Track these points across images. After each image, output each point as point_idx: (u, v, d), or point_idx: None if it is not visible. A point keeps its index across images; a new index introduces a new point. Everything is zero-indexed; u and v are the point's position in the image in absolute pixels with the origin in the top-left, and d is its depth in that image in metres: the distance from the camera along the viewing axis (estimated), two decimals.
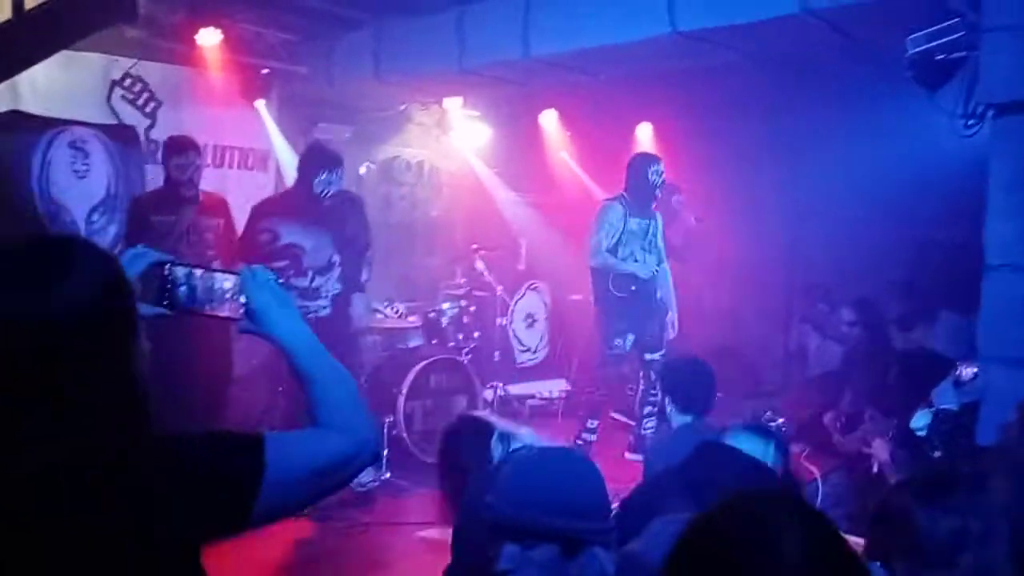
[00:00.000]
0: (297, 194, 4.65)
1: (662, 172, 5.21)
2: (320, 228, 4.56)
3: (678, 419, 3.32)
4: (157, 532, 1.04)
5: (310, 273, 4.53)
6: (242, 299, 1.28)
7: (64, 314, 1.01)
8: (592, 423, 5.32)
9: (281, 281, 4.33)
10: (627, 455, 5.34)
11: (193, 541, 1.11)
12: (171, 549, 1.07)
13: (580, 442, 5.22)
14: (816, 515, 0.97)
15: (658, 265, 5.36)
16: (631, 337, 5.23)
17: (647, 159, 5.28)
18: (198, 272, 1.30)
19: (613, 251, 5.21)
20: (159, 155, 4.62)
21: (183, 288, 1.28)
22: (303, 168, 4.62)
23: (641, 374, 5.43)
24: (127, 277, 1.12)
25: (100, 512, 1.00)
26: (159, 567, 1.06)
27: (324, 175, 4.49)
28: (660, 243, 5.39)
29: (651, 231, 5.29)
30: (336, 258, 4.60)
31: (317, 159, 4.58)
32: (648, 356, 5.38)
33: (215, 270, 1.32)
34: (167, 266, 1.28)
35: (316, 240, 4.54)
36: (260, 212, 4.60)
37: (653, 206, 5.28)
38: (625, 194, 5.27)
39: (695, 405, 3.29)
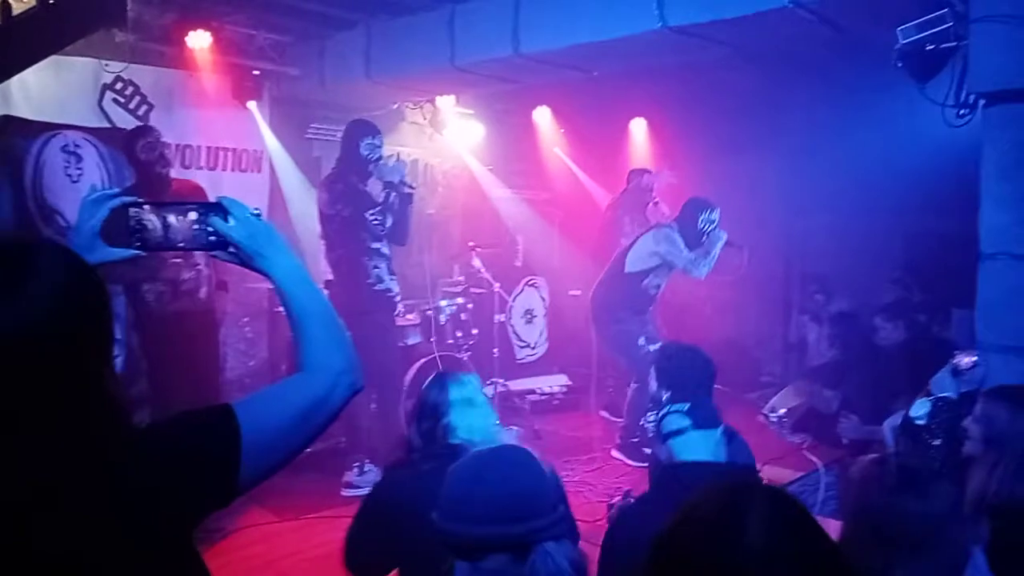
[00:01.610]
0: (348, 165, 4.68)
1: (715, 221, 5.14)
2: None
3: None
4: (146, 527, 1.04)
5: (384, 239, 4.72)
6: (210, 228, 1.29)
7: (23, 325, 0.96)
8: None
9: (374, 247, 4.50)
10: (613, 453, 5.36)
11: (184, 525, 1.11)
12: (163, 539, 1.07)
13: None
14: (783, 498, 0.99)
15: None
16: (644, 333, 5.32)
17: (702, 204, 5.20)
18: (162, 208, 1.30)
19: (644, 275, 5.25)
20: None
21: (151, 227, 1.29)
22: (348, 139, 4.71)
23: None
24: (96, 279, 1.08)
25: (87, 519, 0.99)
26: (154, 558, 1.05)
27: (369, 139, 4.63)
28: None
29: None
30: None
31: (359, 127, 4.76)
32: (651, 348, 5.42)
33: (179, 203, 1.32)
34: (131, 207, 1.29)
35: None
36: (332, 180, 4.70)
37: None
38: (676, 224, 5.27)
39: (684, 393, 2.99)
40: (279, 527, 4.15)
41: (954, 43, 3.23)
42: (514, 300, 7.02)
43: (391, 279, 4.72)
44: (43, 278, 1.00)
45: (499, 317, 6.42)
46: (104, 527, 1.00)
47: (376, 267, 4.64)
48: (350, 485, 4.65)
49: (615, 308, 5.33)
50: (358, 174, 4.64)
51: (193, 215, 1.29)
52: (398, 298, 4.87)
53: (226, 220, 1.29)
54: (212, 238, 1.29)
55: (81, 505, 0.99)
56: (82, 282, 1.05)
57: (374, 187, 4.62)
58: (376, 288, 4.63)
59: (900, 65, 3.41)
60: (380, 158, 4.65)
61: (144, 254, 1.32)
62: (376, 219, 4.60)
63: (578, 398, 6.68)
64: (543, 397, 6.63)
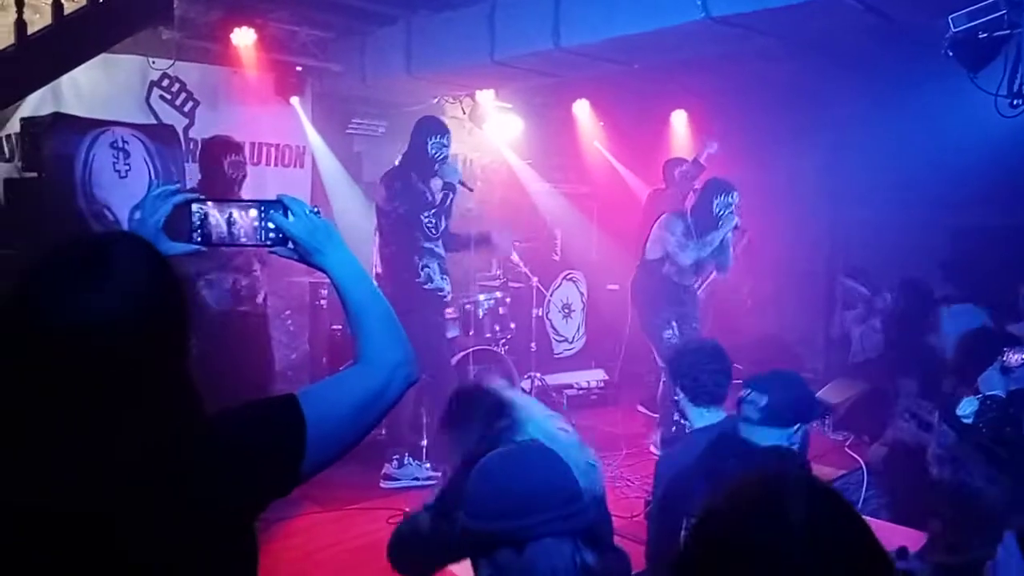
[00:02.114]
0: (411, 162, 4.72)
1: (731, 204, 5.01)
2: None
3: (693, 412, 2.99)
4: (215, 510, 1.08)
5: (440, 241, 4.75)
6: (271, 224, 1.32)
7: (107, 315, 1.00)
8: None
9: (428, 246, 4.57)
10: (651, 448, 5.32)
11: (249, 512, 1.15)
12: (229, 523, 1.11)
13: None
14: (825, 490, 0.99)
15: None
16: (675, 324, 5.25)
17: (717, 187, 5.07)
18: (223, 205, 1.33)
19: (661, 262, 5.23)
20: (200, 153, 4.65)
21: (212, 223, 1.32)
22: (416, 136, 4.70)
23: None
24: (175, 273, 1.11)
25: (155, 504, 1.02)
26: (218, 539, 1.09)
27: (437, 137, 4.63)
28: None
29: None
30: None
31: (428, 124, 4.74)
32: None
33: (240, 200, 1.35)
34: (193, 203, 1.32)
35: None
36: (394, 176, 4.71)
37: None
38: (690, 214, 5.21)
39: (704, 394, 2.93)
40: (318, 517, 4.21)
41: (1008, 31, 3.14)
42: (552, 294, 7.02)
43: (442, 278, 4.73)
44: (126, 271, 1.03)
45: (537, 311, 6.42)
46: (172, 513, 1.03)
47: (427, 266, 4.66)
48: (389, 477, 4.69)
49: (647, 295, 5.31)
50: (421, 172, 4.64)
51: (254, 212, 1.32)
52: (449, 297, 4.88)
53: (286, 217, 1.31)
54: (272, 234, 1.32)
55: (150, 491, 1.02)
56: (162, 275, 1.08)
57: (434, 186, 4.64)
58: (426, 287, 4.65)
59: (951, 54, 3.32)
60: (446, 158, 4.65)
61: (205, 249, 1.35)
62: (430, 221, 4.61)
63: (616, 393, 6.65)
64: (580, 392, 6.62)
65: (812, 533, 0.92)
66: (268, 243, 1.33)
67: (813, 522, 0.92)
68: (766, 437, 2.25)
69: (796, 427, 2.30)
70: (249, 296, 4.45)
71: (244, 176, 4.45)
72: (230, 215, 1.32)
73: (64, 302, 0.98)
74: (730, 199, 5.01)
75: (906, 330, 5.33)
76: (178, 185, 1.38)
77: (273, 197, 1.34)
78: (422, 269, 4.64)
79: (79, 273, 1.01)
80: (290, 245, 1.32)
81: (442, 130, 4.68)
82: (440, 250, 4.73)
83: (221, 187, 4.37)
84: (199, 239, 1.33)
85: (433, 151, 4.61)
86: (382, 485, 4.66)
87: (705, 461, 2.26)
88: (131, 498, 1.00)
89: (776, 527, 0.92)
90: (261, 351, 4.68)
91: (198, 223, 1.32)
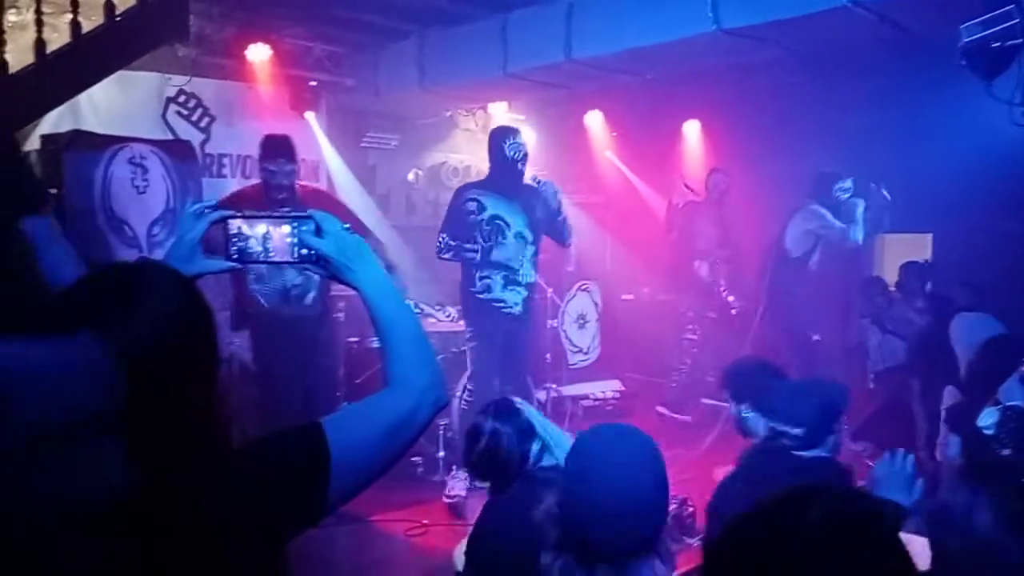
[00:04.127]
0: (493, 169, 4.74)
1: (849, 189, 5.37)
2: (517, 204, 4.69)
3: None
4: (238, 547, 1.06)
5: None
6: (303, 241, 1.31)
7: (135, 347, 0.98)
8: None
9: (490, 254, 4.53)
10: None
11: (276, 544, 1.13)
12: (255, 559, 1.09)
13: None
14: (850, 493, 1.03)
15: None
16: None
17: (834, 176, 5.40)
18: (256, 221, 1.33)
19: (808, 256, 5.43)
20: (215, 167, 4.66)
21: (247, 240, 1.32)
22: (493, 143, 4.71)
23: None
24: (204, 303, 1.10)
25: (178, 538, 1.00)
26: (241, 570, 1.07)
27: (512, 139, 4.64)
28: None
29: None
30: (531, 237, 4.72)
31: (501, 130, 4.81)
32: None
33: (274, 216, 1.34)
34: (228, 220, 1.32)
35: (516, 217, 4.69)
36: (465, 187, 4.82)
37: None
38: (813, 200, 5.44)
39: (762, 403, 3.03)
40: (336, 531, 4.16)
41: (1020, 40, 3.13)
42: (566, 305, 7.01)
43: (508, 290, 4.64)
44: (155, 302, 1.03)
45: (551, 322, 6.42)
46: (196, 547, 1.02)
47: (486, 277, 4.61)
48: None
49: (797, 297, 5.45)
50: (505, 180, 4.65)
51: (286, 228, 1.31)
52: (516, 310, 4.69)
53: (318, 234, 1.30)
54: (304, 251, 1.31)
55: (173, 525, 1.00)
56: (191, 306, 1.08)
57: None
58: (482, 297, 4.61)
59: (964, 63, 3.31)
60: (526, 155, 4.68)
61: (240, 266, 1.35)
62: (472, 247, 4.60)
63: (631, 403, 6.64)
64: (596, 402, 6.60)
65: (827, 537, 0.92)
66: (300, 260, 1.32)
67: (827, 517, 0.93)
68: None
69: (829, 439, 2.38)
70: (298, 296, 4.31)
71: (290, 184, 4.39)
72: (263, 232, 1.32)
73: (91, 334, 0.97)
74: (847, 184, 5.37)
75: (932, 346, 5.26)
76: (215, 202, 1.38)
77: (306, 213, 1.33)
78: (480, 280, 4.60)
79: (107, 304, 1.00)
80: (321, 262, 1.31)
81: (514, 131, 4.75)
82: (511, 263, 4.65)
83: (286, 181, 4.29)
84: (235, 256, 1.33)
85: (511, 152, 4.62)
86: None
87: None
88: (144, 531, 0.98)
89: (792, 516, 0.94)
90: (321, 358, 4.58)
91: (234, 239, 1.32)
